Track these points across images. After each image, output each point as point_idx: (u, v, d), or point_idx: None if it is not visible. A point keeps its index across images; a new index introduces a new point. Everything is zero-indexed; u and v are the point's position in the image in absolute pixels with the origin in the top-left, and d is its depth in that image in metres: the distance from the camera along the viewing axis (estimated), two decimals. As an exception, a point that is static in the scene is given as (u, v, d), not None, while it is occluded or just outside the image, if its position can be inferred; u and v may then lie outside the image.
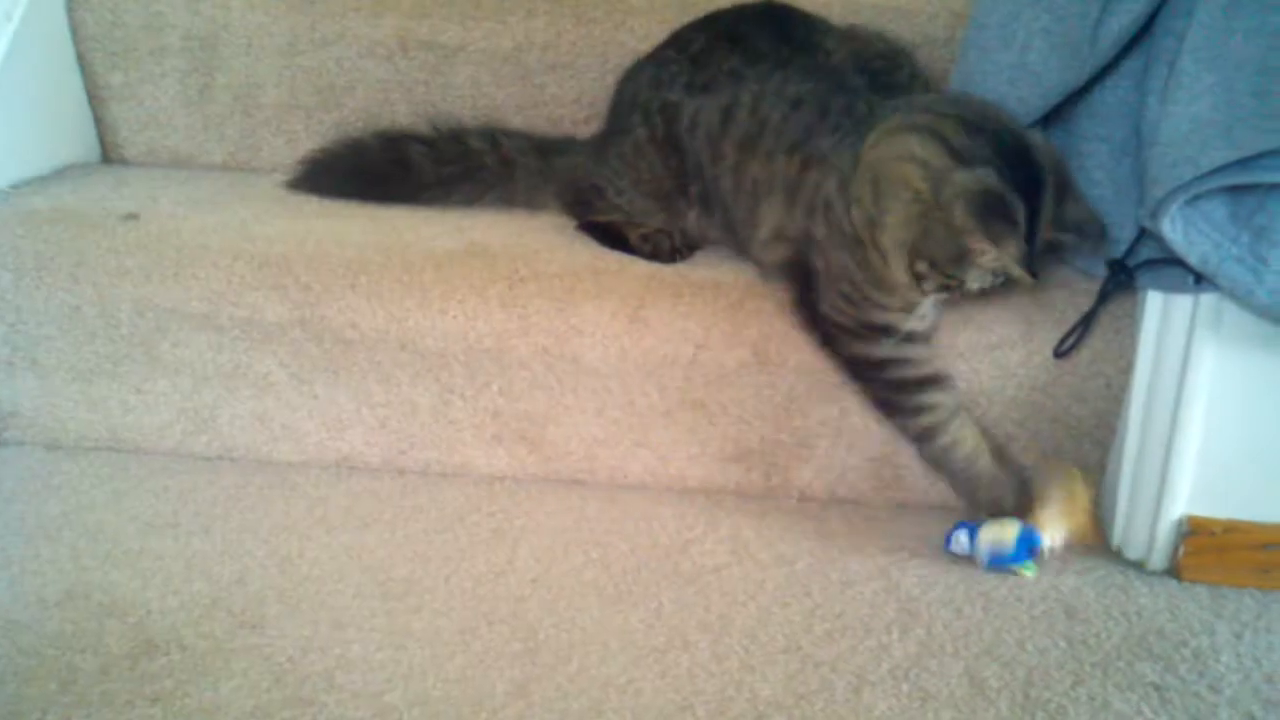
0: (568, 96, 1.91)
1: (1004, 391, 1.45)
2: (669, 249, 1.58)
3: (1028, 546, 1.36)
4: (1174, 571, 1.39)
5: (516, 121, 1.91)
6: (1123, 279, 1.37)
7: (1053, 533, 1.37)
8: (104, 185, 1.85)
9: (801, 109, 1.45)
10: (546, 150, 1.77)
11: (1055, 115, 1.48)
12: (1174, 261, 1.28)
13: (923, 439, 1.41)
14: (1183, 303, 1.33)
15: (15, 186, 1.77)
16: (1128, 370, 1.42)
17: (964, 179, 1.25)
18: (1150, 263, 1.34)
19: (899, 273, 1.32)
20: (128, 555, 1.41)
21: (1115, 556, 1.43)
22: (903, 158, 1.29)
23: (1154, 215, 1.23)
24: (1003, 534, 1.37)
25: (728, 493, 1.56)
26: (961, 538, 1.40)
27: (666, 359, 1.49)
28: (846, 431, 1.51)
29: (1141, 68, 1.34)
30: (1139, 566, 1.41)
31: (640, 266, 1.55)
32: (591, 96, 1.88)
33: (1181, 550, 1.38)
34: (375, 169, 1.80)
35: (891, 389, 1.41)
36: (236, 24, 1.93)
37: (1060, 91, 1.40)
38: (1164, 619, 1.32)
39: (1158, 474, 1.38)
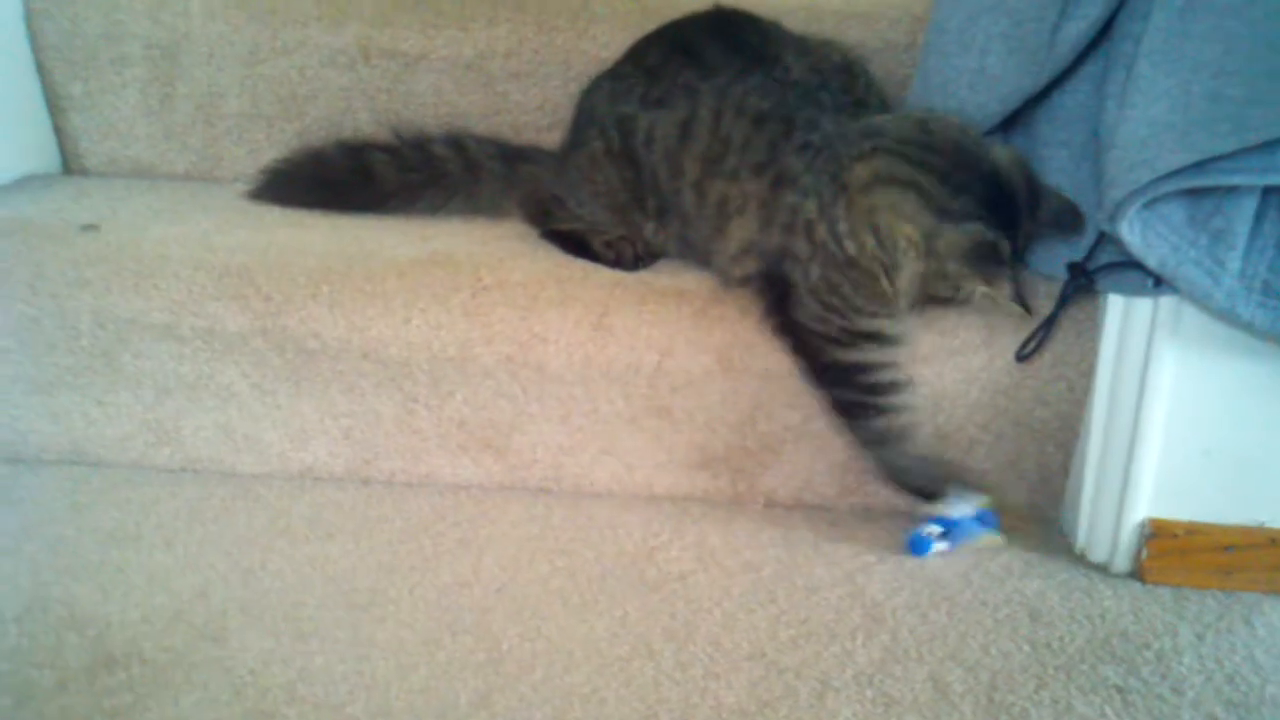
0: (531, 104, 1.90)
1: (967, 395, 1.46)
2: (632, 256, 1.58)
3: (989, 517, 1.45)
4: (1137, 574, 1.40)
5: (480, 129, 1.90)
6: (1083, 282, 1.38)
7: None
8: (64, 196, 1.83)
9: (765, 127, 1.45)
10: (511, 157, 1.77)
11: (1015, 119, 1.49)
12: (1133, 265, 1.29)
13: (884, 439, 1.42)
14: (1143, 305, 1.34)
15: (-26, 198, 1.76)
16: (1089, 373, 1.42)
17: (954, 237, 1.30)
18: (1110, 266, 1.35)
19: (904, 302, 1.37)
20: (88, 568, 1.39)
21: (1079, 560, 1.44)
22: (898, 215, 1.33)
23: (1112, 219, 1.23)
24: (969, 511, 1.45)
25: (694, 500, 1.56)
26: (933, 528, 1.44)
27: (631, 367, 1.49)
28: (811, 437, 1.51)
29: (1100, 72, 1.34)
30: (1103, 569, 1.42)
31: (604, 274, 1.55)
32: (555, 104, 1.88)
33: (1144, 553, 1.39)
34: (337, 178, 1.79)
35: (865, 391, 1.42)
36: (197, 33, 1.92)
37: (1019, 96, 1.41)
38: (1127, 621, 1.32)
39: (1120, 476, 1.39)
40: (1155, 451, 1.36)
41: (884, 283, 1.36)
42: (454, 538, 1.46)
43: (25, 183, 1.88)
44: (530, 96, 1.91)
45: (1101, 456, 1.41)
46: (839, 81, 1.53)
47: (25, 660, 1.23)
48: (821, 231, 1.38)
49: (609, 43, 1.83)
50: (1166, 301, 1.31)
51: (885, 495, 1.52)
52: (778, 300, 1.44)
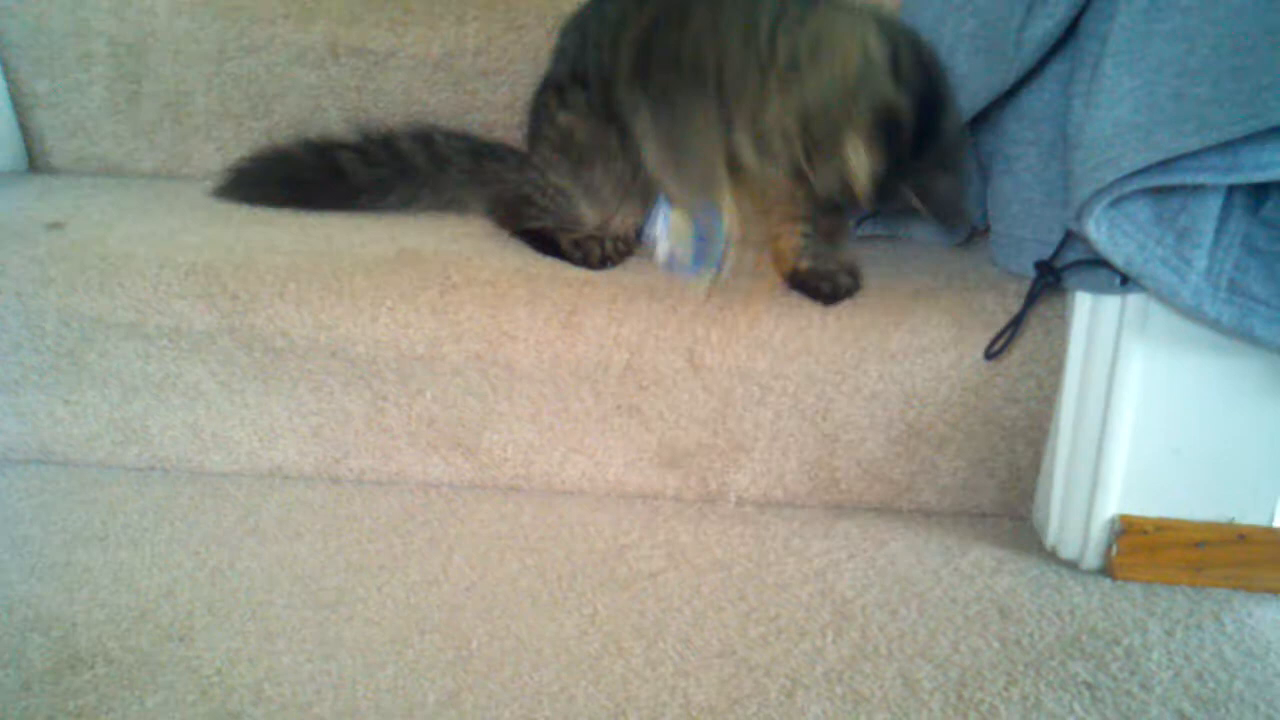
0: (500, 102, 1.90)
1: (937, 393, 1.46)
2: (599, 256, 1.57)
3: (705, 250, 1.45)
4: (1107, 570, 1.40)
5: (450, 127, 1.89)
6: (1051, 280, 1.38)
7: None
8: (30, 194, 1.82)
9: None
10: (479, 152, 1.76)
11: (983, 118, 1.50)
12: (1101, 263, 1.29)
13: None
14: (1110, 303, 1.34)
15: (-62, 195, 1.74)
16: (1058, 371, 1.43)
17: (888, 93, 1.30)
18: (1078, 264, 1.35)
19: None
20: (53, 568, 1.38)
21: (1050, 556, 1.44)
22: (856, 35, 1.33)
23: (1079, 217, 1.23)
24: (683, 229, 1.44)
25: (664, 498, 1.56)
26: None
27: (600, 364, 1.48)
28: (781, 435, 1.51)
29: (1067, 71, 1.35)
30: (1073, 566, 1.42)
31: (573, 272, 1.54)
32: (524, 101, 1.87)
33: (1114, 549, 1.39)
34: (305, 175, 1.78)
35: None
36: (164, 31, 1.90)
37: (987, 95, 1.41)
38: (1097, 618, 1.32)
39: (1090, 473, 1.40)
40: (1124, 448, 1.37)
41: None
42: (423, 536, 1.46)
43: (-10, 180, 1.87)
44: (500, 95, 1.91)
45: (1071, 453, 1.42)
46: None
47: (-12, 661, 1.22)
48: None
49: (579, 41, 1.82)
50: (1134, 299, 1.32)
51: (856, 492, 1.53)
52: None
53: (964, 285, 1.48)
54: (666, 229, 1.40)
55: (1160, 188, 1.20)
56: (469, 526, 1.48)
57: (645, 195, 1.53)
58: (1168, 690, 1.21)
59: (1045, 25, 1.32)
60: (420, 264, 1.53)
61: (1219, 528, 1.38)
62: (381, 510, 1.52)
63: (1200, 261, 1.22)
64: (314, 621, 1.29)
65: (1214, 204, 1.21)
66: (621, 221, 1.58)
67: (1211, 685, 1.22)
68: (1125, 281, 1.30)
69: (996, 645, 1.27)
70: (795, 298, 1.47)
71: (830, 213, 1.46)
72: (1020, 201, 1.44)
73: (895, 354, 1.45)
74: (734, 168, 1.37)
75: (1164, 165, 1.16)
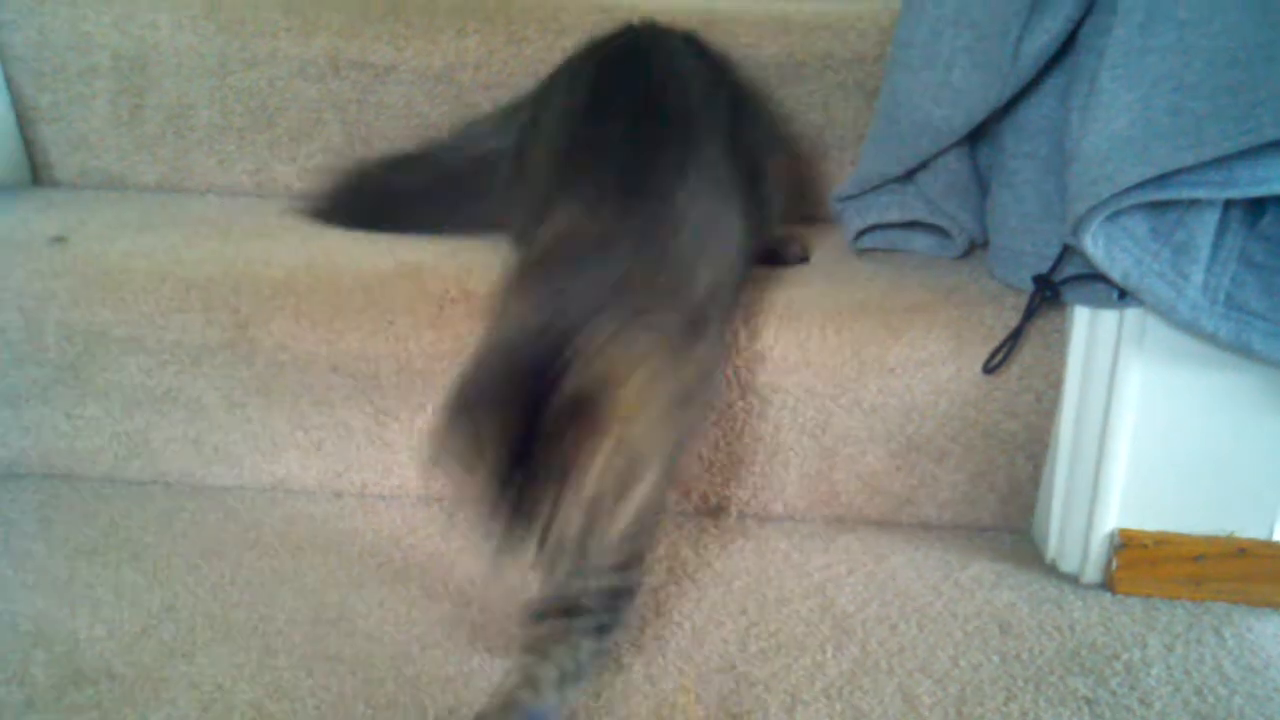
0: (501, 114, 1.90)
1: (936, 407, 1.46)
2: None
3: None
4: (1107, 584, 1.41)
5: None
6: (1049, 294, 1.38)
7: None
8: (32, 208, 1.82)
9: None
10: None
11: (981, 132, 1.50)
12: (1099, 277, 1.30)
13: None
14: (1108, 318, 1.35)
15: (-59, 210, 1.75)
16: (1057, 385, 1.43)
17: None
18: (1076, 278, 1.36)
19: None
20: (56, 584, 1.39)
21: (1050, 570, 1.44)
22: None
23: (1076, 231, 1.24)
24: None
25: (666, 513, 1.56)
26: None
27: (601, 378, 1.49)
28: (781, 449, 1.51)
29: (1064, 85, 1.35)
30: (1073, 580, 1.42)
31: (574, 286, 1.55)
32: (526, 115, 1.87)
33: (1114, 563, 1.39)
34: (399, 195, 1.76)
35: None
36: (166, 44, 1.91)
37: (984, 109, 1.41)
38: (1097, 633, 1.33)
39: (1089, 487, 1.40)
40: (1123, 463, 1.37)
41: None
42: (425, 550, 1.46)
43: (-7, 194, 1.88)
44: (500, 107, 1.91)
45: (1070, 468, 1.42)
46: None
47: (-9, 678, 1.23)
48: None
49: (579, 54, 1.83)
50: (1132, 314, 1.32)
51: (856, 506, 1.53)
52: None
53: (963, 298, 1.48)
54: None
55: (1157, 202, 1.20)
56: (471, 541, 1.48)
57: None
58: (1167, 705, 1.21)
59: (1042, 39, 1.32)
60: (419, 279, 1.54)
61: (1219, 541, 1.38)
62: (384, 524, 1.52)
63: (1197, 276, 1.22)
64: (315, 637, 1.29)
65: (1211, 219, 1.21)
66: None
67: (1211, 700, 1.22)
68: (1123, 296, 1.30)
69: (996, 660, 1.28)
70: (795, 310, 1.47)
71: None
72: (1018, 215, 1.44)
73: (894, 367, 1.45)
74: None
75: (1160, 180, 1.16)
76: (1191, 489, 1.38)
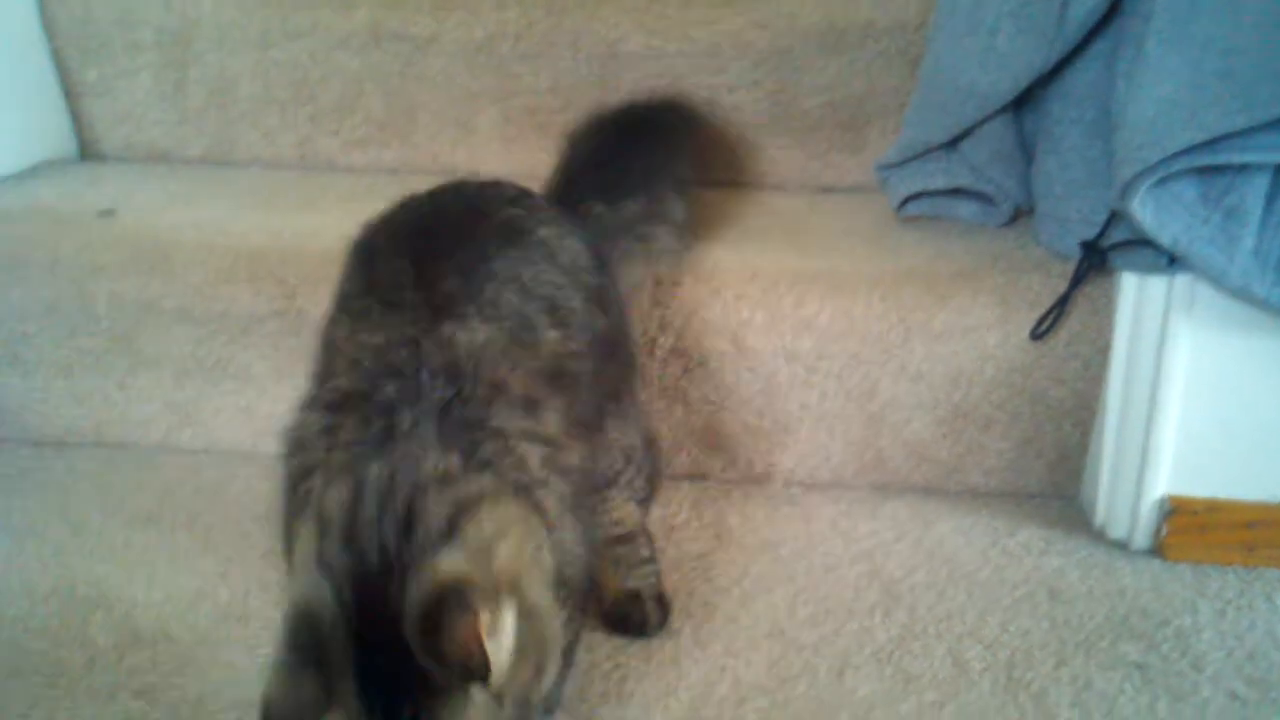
0: (542, 85, 1.90)
1: (983, 373, 1.46)
2: None
3: None
4: (1157, 551, 1.40)
5: (491, 113, 1.90)
6: (1096, 261, 1.38)
7: None
8: (80, 181, 1.84)
9: None
10: None
11: (1027, 98, 1.49)
12: (1147, 243, 1.29)
13: None
14: (1157, 284, 1.34)
15: (-9, 184, 1.77)
16: (1105, 351, 1.43)
17: None
18: (1124, 244, 1.35)
19: None
20: (113, 549, 1.41)
21: (1098, 537, 1.44)
22: None
23: (1123, 197, 1.23)
24: None
25: (711, 479, 1.57)
26: None
27: (644, 349, 1.49)
28: (827, 417, 1.51)
29: (1110, 49, 1.34)
30: (1122, 546, 1.42)
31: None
32: (567, 86, 1.87)
33: (1164, 530, 1.39)
34: None
35: None
36: (208, 18, 1.92)
37: (1029, 75, 1.40)
38: (1147, 598, 1.32)
39: (1138, 454, 1.39)
40: (1173, 429, 1.37)
41: None
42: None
43: (42, 169, 1.89)
44: (542, 78, 1.91)
45: (1119, 434, 1.42)
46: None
47: (55, 639, 1.25)
48: None
49: (618, 24, 1.82)
50: (1181, 279, 1.32)
51: (903, 473, 1.53)
52: None
53: (1009, 265, 1.48)
54: None
55: (1206, 167, 1.19)
56: None
57: None
58: (1219, 671, 1.21)
59: (1088, 4, 1.31)
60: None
61: (1270, 508, 1.37)
62: (431, 492, 1.53)
63: (1248, 240, 1.22)
64: (368, 602, 1.30)
65: (1261, 182, 1.21)
66: None
67: (1264, 665, 1.22)
68: (1172, 261, 1.30)
69: (1046, 626, 1.28)
70: (841, 277, 1.48)
71: None
72: (1064, 181, 1.43)
73: (940, 334, 1.45)
74: None
75: (1209, 144, 1.16)
76: (1242, 455, 1.37)
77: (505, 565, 0.89)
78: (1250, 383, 1.34)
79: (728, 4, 1.83)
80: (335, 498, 0.90)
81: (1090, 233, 1.38)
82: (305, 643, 0.83)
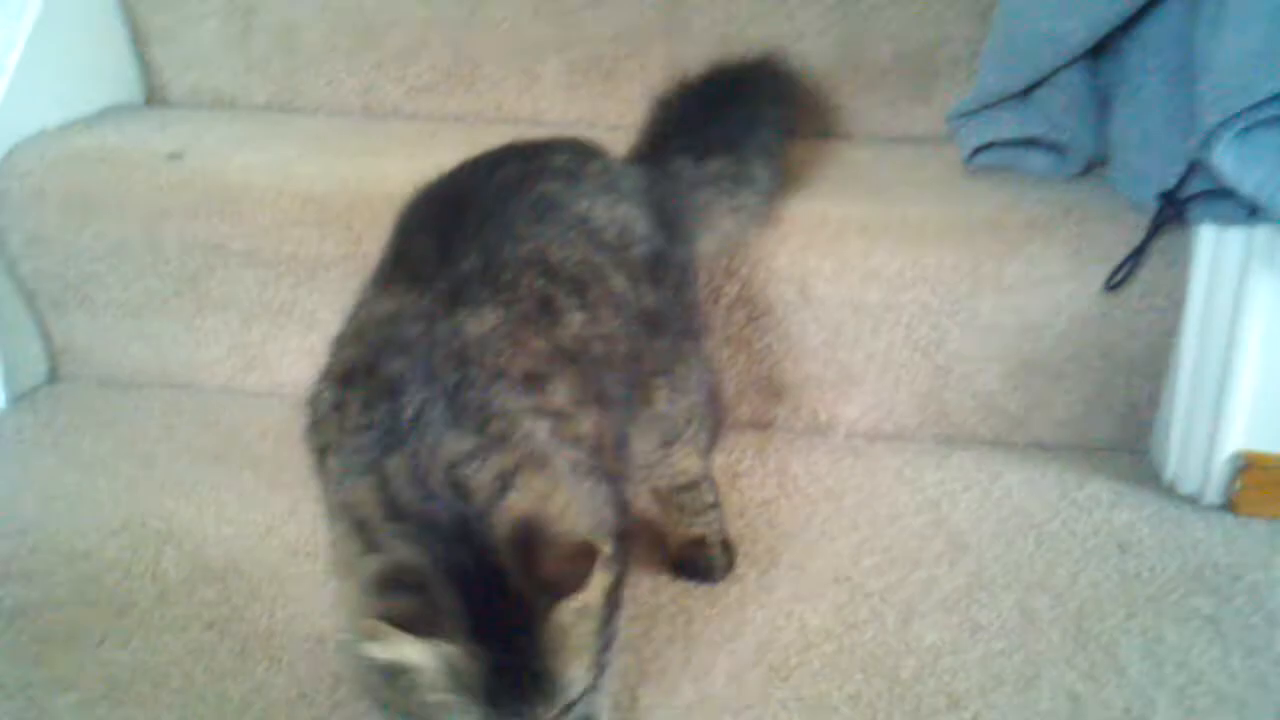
0: (607, 33, 1.87)
1: (1054, 325, 1.44)
2: None
3: None
4: (1229, 506, 1.38)
5: (555, 61, 1.89)
6: (1174, 212, 1.35)
7: None
8: (148, 125, 1.85)
9: None
10: None
11: (1105, 46, 1.47)
12: (1227, 193, 1.26)
13: None
14: (1236, 235, 1.31)
15: (61, 128, 1.77)
16: (1180, 304, 1.40)
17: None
18: (1202, 195, 1.33)
19: None
20: (182, 486, 1.43)
21: (1168, 492, 1.42)
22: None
23: (1205, 146, 1.21)
24: None
25: (774, 429, 1.56)
26: None
27: (709, 296, 1.49)
28: (893, 367, 1.50)
29: (1193, -4, 1.32)
30: (1193, 501, 1.40)
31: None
32: (631, 32, 1.85)
33: (1237, 485, 1.37)
34: None
35: None
36: (275, -36, 1.92)
37: (1109, 22, 1.38)
38: (1219, 553, 1.31)
39: (1211, 409, 1.37)
40: (1248, 384, 1.34)
41: None
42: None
43: (110, 113, 1.90)
44: (606, 26, 1.89)
45: (1192, 389, 1.39)
46: None
47: (126, 572, 1.27)
48: None
49: (683, -32, 1.81)
50: (1261, 231, 1.29)
51: (969, 425, 1.52)
52: None
53: (1082, 216, 1.46)
54: None
55: (1292, 115, 1.17)
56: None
57: None
58: (1292, 625, 1.20)
59: (1171, -52, 1.29)
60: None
61: (1347, 465, 1.35)
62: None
63: (1333, 191, 1.19)
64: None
65: (1349, 131, 1.18)
66: None
67: (1337, 621, 1.20)
68: (1252, 213, 1.27)
69: (1116, 578, 1.27)
70: (911, 227, 1.46)
71: None
72: (1142, 131, 1.41)
73: (1011, 285, 1.43)
74: None
75: (1294, 93, 1.13)
76: (1319, 411, 1.35)
77: (556, 512, 0.91)
78: (1330, 337, 1.32)
79: (796, -50, 1.81)
80: (361, 496, 0.91)
81: (1168, 183, 1.35)
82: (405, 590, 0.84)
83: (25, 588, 1.25)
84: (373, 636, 0.81)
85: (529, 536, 0.86)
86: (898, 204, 1.52)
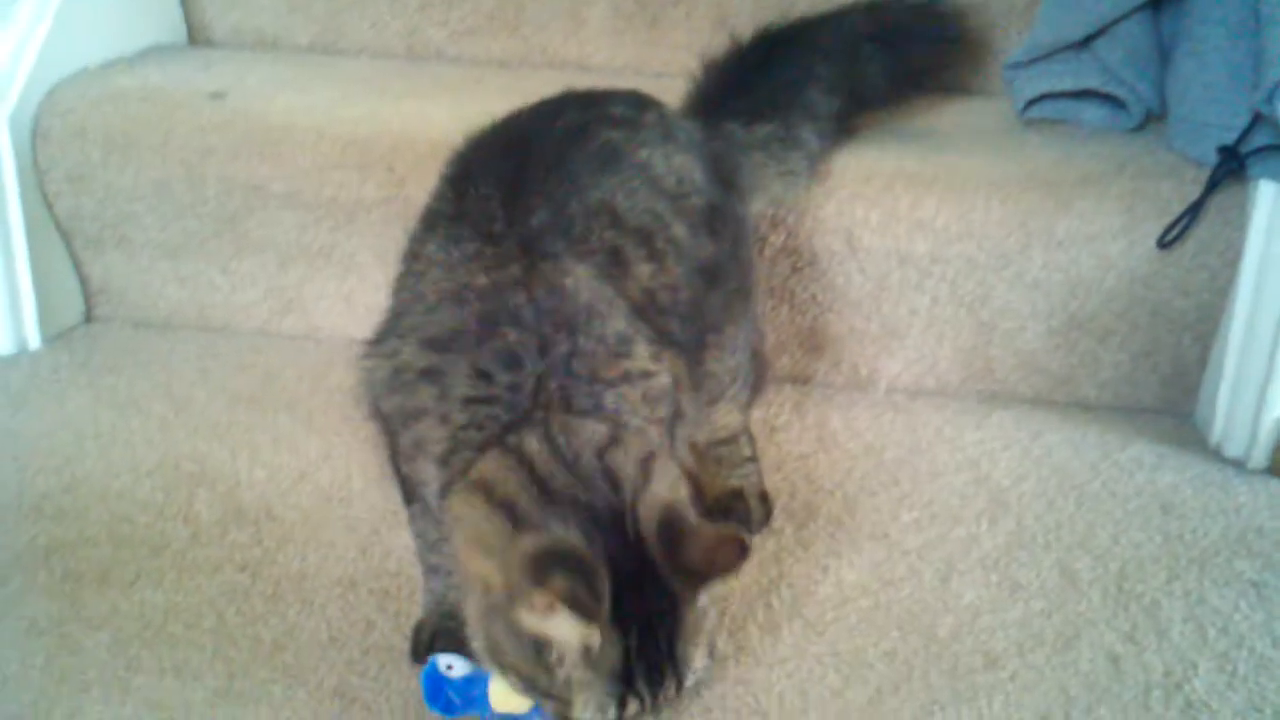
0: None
1: (1103, 283, 1.41)
2: None
3: None
4: (1275, 470, 1.35)
5: (602, 5, 1.85)
6: (1233, 166, 1.32)
7: None
8: (191, 65, 1.84)
9: None
10: None
11: (1167, -3, 1.43)
12: (1290, 148, 1.23)
13: None
14: (1297, 192, 1.28)
15: (103, 67, 1.77)
16: (1234, 263, 1.37)
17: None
18: (1264, 150, 1.29)
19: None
20: (216, 429, 1.42)
21: (1214, 454, 1.39)
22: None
23: (1269, 100, 1.18)
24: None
25: (814, 383, 1.54)
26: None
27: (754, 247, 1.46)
28: (937, 322, 1.48)
29: (1262, -57, 1.28)
30: (1239, 465, 1.37)
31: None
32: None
33: (1285, 449, 1.34)
34: None
35: None
36: (319, -95, 1.90)
37: (1173, -29, 1.34)
38: (1264, 517, 1.28)
39: (1262, 372, 1.34)
40: (1302, 346, 1.31)
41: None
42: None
43: (152, 53, 1.88)
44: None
45: (1243, 350, 1.36)
46: None
47: (160, 513, 1.27)
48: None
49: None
50: (1324, 189, 1.26)
51: (1011, 383, 1.49)
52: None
53: (1137, 171, 1.42)
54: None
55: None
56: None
57: None
58: (1341, 592, 1.17)
59: (1240, -107, 1.25)
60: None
61: (1400, 431, 1.32)
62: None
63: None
64: (468, 488, 1.30)
65: None
66: None
67: (1388, 589, 1.18)
68: (1316, 169, 1.24)
69: (1158, 540, 1.24)
70: (960, 179, 1.43)
71: None
72: (1203, 84, 1.37)
73: (1062, 241, 1.40)
74: None
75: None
76: (1374, 376, 1.32)
77: (683, 498, 0.94)
78: (1390, 299, 1.28)
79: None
80: (499, 475, 0.91)
81: (1228, 138, 1.32)
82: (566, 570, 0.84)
83: (59, 526, 1.25)
84: (545, 610, 0.82)
85: (674, 526, 0.89)
86: (948, 156, 1.49)
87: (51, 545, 1.22)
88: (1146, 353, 1.45)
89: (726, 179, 1.23)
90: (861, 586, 1.17)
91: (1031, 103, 1.56)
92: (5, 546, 1.22)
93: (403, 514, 1.15)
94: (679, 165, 1.15)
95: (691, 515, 0.91)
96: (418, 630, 1.09)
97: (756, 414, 1.44)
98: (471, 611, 0.92)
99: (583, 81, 1.78)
